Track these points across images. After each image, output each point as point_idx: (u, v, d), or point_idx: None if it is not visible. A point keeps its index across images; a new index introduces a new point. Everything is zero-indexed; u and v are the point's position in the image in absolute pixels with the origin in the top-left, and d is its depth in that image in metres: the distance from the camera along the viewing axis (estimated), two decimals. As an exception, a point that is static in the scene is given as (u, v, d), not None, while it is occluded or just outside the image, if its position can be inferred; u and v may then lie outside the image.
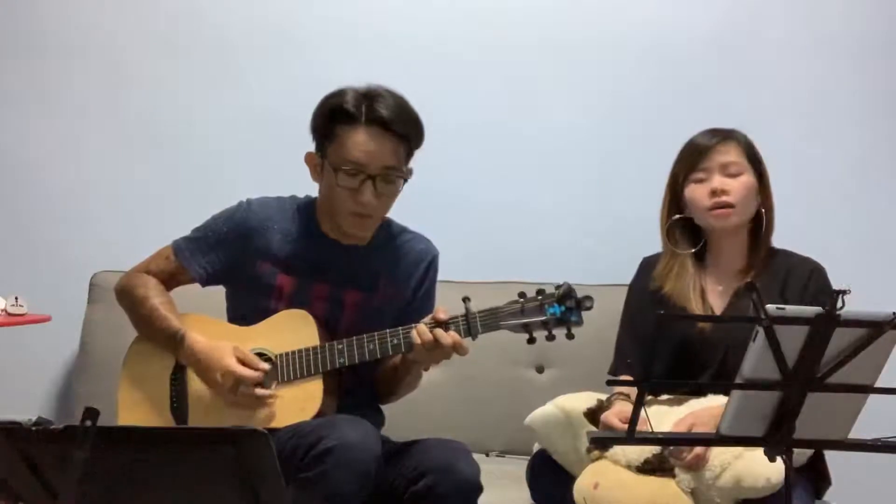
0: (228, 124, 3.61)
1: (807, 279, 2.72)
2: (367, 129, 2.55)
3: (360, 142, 2.55)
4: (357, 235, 2.65)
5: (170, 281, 2.73)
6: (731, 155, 2.73)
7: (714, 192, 2.70)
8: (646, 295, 2.80)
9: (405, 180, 2.60)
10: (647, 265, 2.86)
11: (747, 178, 2.73)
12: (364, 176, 2.55)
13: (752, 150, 2.77)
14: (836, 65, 3.59)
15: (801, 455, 2.51)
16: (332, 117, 2.58)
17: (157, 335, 2.66)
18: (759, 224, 2.76)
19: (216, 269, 2.69)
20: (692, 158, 2.75)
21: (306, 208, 2.71)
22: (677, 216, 2.78)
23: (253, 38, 3.61)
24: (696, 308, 2.70)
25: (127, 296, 2.73)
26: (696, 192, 2.73)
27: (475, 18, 3.60)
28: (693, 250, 2.77)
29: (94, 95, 3.62)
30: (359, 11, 3.60)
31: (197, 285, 2.73)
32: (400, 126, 2.56)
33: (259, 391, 2.55)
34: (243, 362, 2.57)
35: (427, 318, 2.51)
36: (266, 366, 2.58)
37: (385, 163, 2.56)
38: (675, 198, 2.78)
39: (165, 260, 2.72)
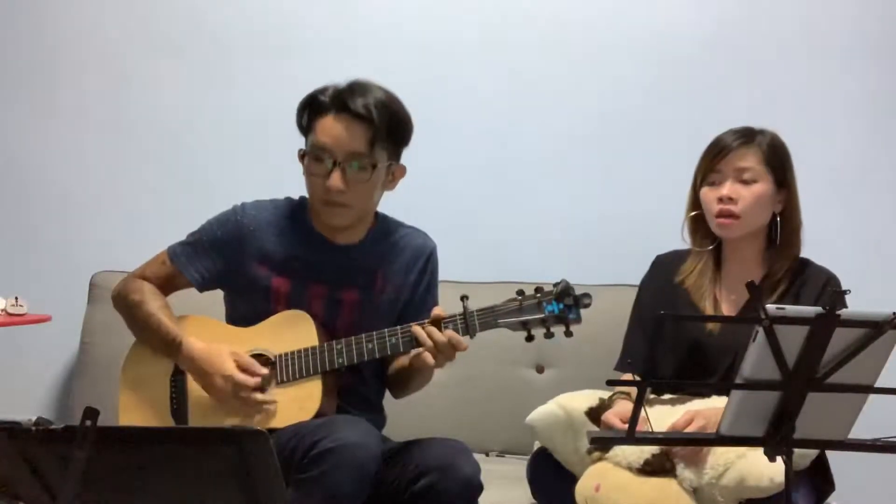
0: (228, 125, 3.61)
1: (820, 289, 2.66)
2: (335, 115, 2.56)
3: (327, 127, 2.56)
4: (332, 225, 2.63)
5: (166, 286, 2.71)
6: (747, 160, 2.67)
7: (721, 199, 2.66)
8: (660, 292, 2.77)
9: (375, 167, 2.56)
10: (660, 263, 2.83)
11: (760, 187, 2.67)
12: (332, 162, 2.55)
13: (774, 155, 2.69)
14: (835, 64, 3.59)
15: (805, 458, 2.50)
16: (309, 110, 2.60)
17: (154, 341, 2.65)
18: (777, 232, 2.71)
19: (212, 274, 2.68)
20: (711, 158, 2.69)
21: (300, 208, 2.70)
22: (693, 213, 2.75)
23: (253, 39, 3.61)
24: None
25: (123, 302, 2.72)
26: (708, 196, 2.69)
27: (476, 19, 3.60)
28: (711, 247, 2.74)
29: (94, 95, 3.62)
30: (359, 13, 3.60)
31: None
32: (370, 113, 2.54)
33: (258, 396, 2.55)
34: (242, 367, 2.56)
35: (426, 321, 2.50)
36: (265, 370, 2.57)
37: (352, 148, 2.55)
38: (696, 194, 2.74)
39: (161, 265, 2.71)
